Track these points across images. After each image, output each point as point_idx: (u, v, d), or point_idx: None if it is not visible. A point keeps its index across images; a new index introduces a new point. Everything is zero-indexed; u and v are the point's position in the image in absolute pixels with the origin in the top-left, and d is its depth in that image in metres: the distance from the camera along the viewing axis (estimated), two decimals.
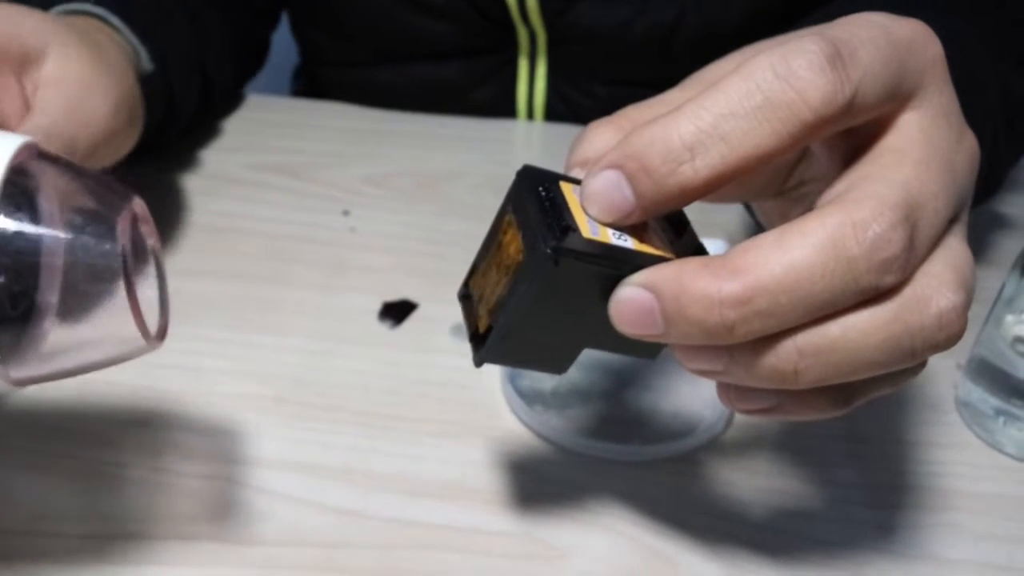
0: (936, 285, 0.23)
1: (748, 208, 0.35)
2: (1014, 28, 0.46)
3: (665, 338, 0.23)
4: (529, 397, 0.38)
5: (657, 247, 0.25)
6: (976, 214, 0.52)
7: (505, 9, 0.59)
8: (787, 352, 0.22)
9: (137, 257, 0.24)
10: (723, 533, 0.33)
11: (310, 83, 0.74)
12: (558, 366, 0.27)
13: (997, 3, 0.46)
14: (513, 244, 0.25)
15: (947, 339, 0.23)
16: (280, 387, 0.38)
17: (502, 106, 0.65)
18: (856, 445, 0.37)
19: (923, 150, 0.24)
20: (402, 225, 0.50)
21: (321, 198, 0.52)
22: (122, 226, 0.24)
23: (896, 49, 0.23)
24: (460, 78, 0.65)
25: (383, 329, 0.42)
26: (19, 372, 0.23)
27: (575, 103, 0.64)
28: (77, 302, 0.23)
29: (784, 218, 0.31)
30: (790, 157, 0.30)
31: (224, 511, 0.32)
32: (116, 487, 0.33)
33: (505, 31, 0.61)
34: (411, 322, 0.42)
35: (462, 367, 0.39)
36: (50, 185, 0.23)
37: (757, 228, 0.41)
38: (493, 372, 0.39)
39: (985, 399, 0.37)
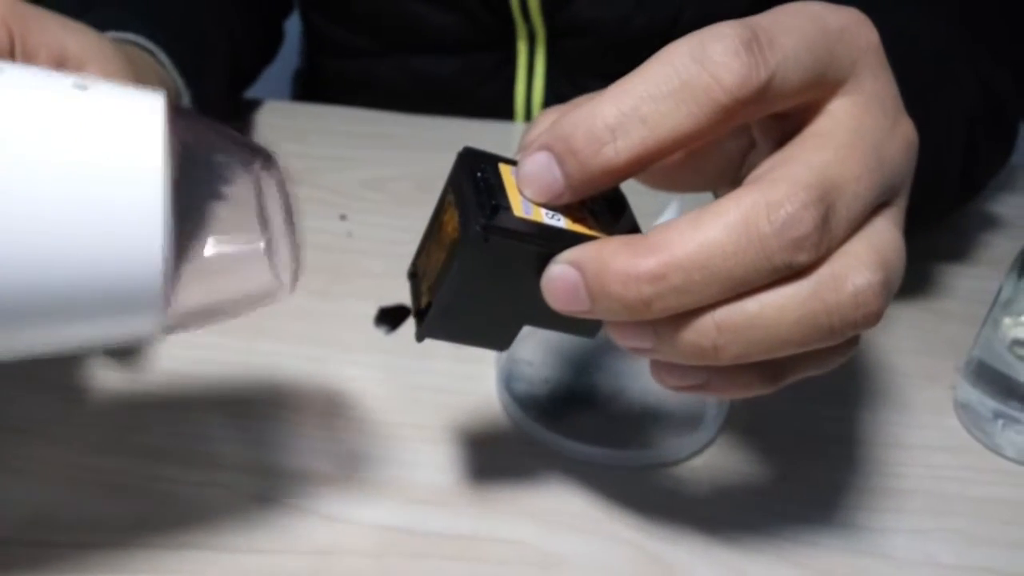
0: (853, 264, 0.23)
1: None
2: (1001, 28, 0.46)
3: (592, 314, 0.24)
4: (524, 402, 0.37)
5: (591, 227, 0.25)
6: (970, 215, 0.52)
7: (506, 3, 0.59)
8: (706, 328, 0.23)
9: (273, 209, 0.26)
10: (720, 538, 0.32)
11: (312, 76, 0.74)
12: (499, 343, 0.28)
13: (985, 3, 0.46)
14: (451, 223, 0.26)
15: (864, 317, 0.23)
16: (276, 393, 0.38)
17: (501, 105, 0.65)
18: (853, 449, 0.37)
19: (849, 135, 0.24)
20: (400, 230, 0.49)
21: (318, 202, 0.51)
22: (256, 170, 0.25)
23: (825, 36, 0.24)
24: (460, 75, 0.65)
25: (379, 334, 0.42)
26: (180, 303, 0.24)
27: None
28: (219, 237, 0.25)
29: None
30: (740, 145, 0.30)
31: (218, 518, 0.32)
32: (109, 494, 0.33)
33: (505, 26, 0.61)
34: (407, 327, 0.42)
35: (458, 373, 0.39)
36: (191, 135, 0.25)
37: None
38: (489, 377, 0.39)
39: (984, 402, 0.37)
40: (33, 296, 0.22)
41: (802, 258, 0.22)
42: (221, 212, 0.25)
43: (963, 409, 0.38)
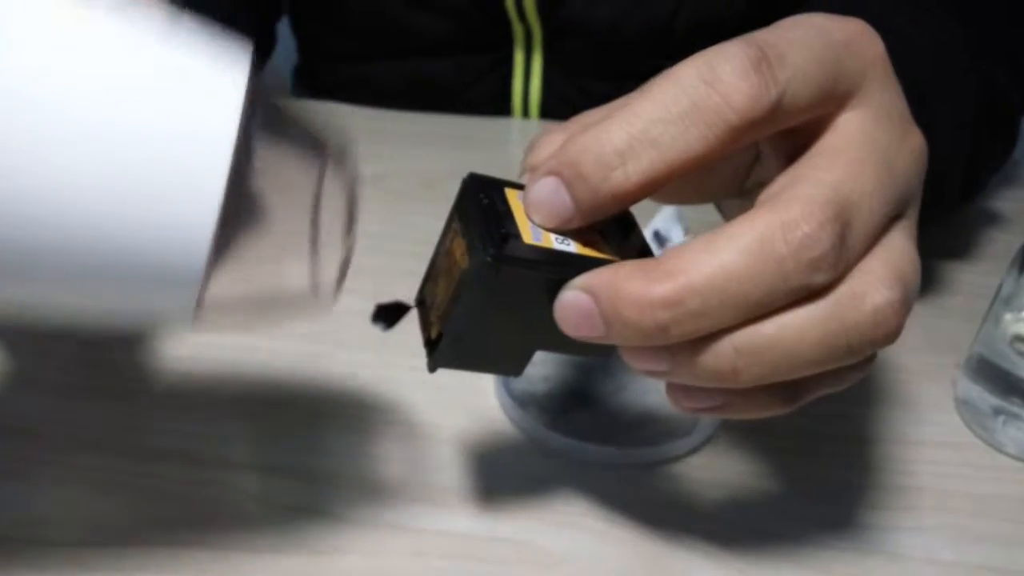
0: (871, 281, 0.23)
1: (720, 209, 0.35)
2: (1003, 26, 0.45)
3: (607, 339, 0.23)
4: (522, 400, 0.37)
5: (601, 250, 0.25)
6: (972, 211, 0.52)
7: (501, 5, 0.59)
8: (725, 351, 0.23)
9: (330, 212, 0.24)
10: (718, 536, 0.32)
11: (308, 78, 0.74)
12: (513, 369, 0.28)
13: (985, 2, 0.46)
14: (459, 251, 0.25)
15: (884, 336, 0.23)
16: (271, 391, 0.38)
17: (498, 104, 0.64)
18: (853, 446, 0.37)
19: (860, 149, 0.24)
20: (397, 225, 0.49)
21: None
22: (320, 169, 0.24)
23: (832, 49, 0.24)
24: (456, 76, 0.64)
25: (376, 331, 0.42)
26: (211, 290, 0.23)
27: (571, 100, 0.64)
28: (264, 228, 0.23)
29: None
30: (745, 159, 0.30)
31: (213, 517, 0.32)
32: (101, 492, 0.33)
33: (501, 27, 0.61)
34: (404, 324, 0.42)
35: (456, 371, 0.39)
36: (263, 108, 0.23)
37: None
38: (487, 376, 0.39)
39: (984, 398, 0.37)
40: (76, 243, 0.21)
41: (820, 278, 0.22)
42: (272, 201, 0.23)
43: (964, 405, 0.38)
